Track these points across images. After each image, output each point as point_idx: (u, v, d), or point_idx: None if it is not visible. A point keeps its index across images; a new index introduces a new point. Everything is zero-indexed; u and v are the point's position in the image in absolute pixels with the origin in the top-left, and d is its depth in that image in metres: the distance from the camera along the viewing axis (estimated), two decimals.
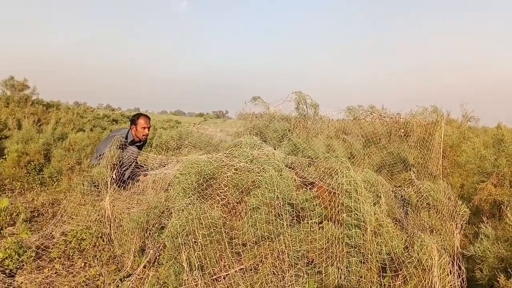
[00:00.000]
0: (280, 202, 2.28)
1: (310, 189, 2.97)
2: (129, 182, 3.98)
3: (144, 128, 4.91)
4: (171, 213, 2.60)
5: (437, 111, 4.06)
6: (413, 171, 3.47)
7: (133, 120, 5.00)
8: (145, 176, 4.25)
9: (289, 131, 4.21)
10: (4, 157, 5.79)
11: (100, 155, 5.00)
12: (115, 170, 3.42)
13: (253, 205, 2.28)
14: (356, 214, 2.18)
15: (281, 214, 2.28)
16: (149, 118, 5.10)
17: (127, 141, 4.99)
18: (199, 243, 2.15)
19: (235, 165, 2.61)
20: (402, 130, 4.23)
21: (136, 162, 4.60)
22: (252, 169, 2.55)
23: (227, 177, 2.52)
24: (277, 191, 2.29)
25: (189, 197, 2.36)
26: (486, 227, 2.49)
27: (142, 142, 5.04)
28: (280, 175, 2.51)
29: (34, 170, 5.56)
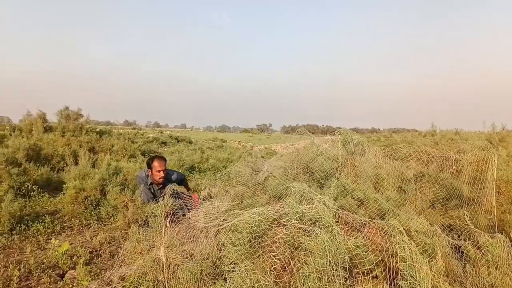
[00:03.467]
0: (332, 268, 2.29)
1: (360, 230, 2.95)
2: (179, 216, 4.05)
3: (159, 171, 4.99)
4: (225, 270, 2.67)
5: (488, 149, 3.92)
6: (466, 215, 3.35)
7: (148, 163, 5.11)
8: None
9: (336, 170, 4.18)
10: (62, 192, 6.14)
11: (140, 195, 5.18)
12: (169, 219, 3.53)
13: (306, 272, 2.29)
14: (412, 282, 2.15)
15: (334, 280, 2.28)
16: (165, 160, 5.17)
17: (147, 182, 5.11)
18: None
19: (285, 223, 2.64)
20: (454, 167, 4.11)
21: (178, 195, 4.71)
22: (302, 228, 2.57)
23: (279, 238, 2.55)
24: (328, 256, 2.30)
25: (241, 260, 2.41)
26: None
27: (161, 185, 5.14)
28: (331, 233, 2.51)
29: (91, 205, 5.84)
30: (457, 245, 2.91)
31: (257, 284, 2.17)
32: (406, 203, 4.12)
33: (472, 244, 2.78)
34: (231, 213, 3.03)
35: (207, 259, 3.19)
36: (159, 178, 5.04)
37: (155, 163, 5.04)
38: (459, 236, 3.45)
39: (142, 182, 5.15)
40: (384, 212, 3.63)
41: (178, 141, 17.91)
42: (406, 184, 4.49)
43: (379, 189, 4.27)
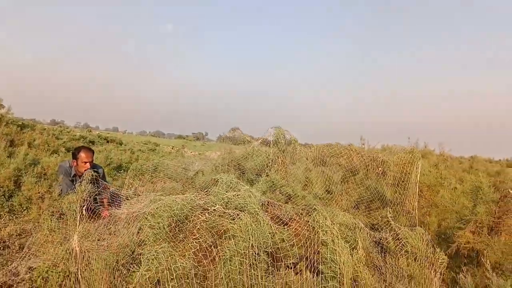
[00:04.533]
0: (255, 251, 2.20)
1: (287, 225, 2.90)
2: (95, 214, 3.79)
3: (85, 162, 4.69)
4: (142, 255, 2.50)
5: (414, 152, 4.08)
6: (389, 212, 3.44)
7: (74, 153, 4.78)
8: (107, 211, 4.02)
9: (267, 166, 4.14)
10: None
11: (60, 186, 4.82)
12: (85, 206, 3.28)
13: (226, 255, 2.19)
14: (333, 266, 2.12)
15: (256, 264, 2.20)
16: (92, 152, 4.87)
17: (71, 174, 4.78)
18: None
19: (209, 208, 2.53)
20: (380, 168, 4.23)
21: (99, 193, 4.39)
22: (227, 213, 2.47)
23: (201, 221, 2.43)
24: (251, 239, 2.21)
25: (159, 243, 2.26)
26: (465, 276, 2.47)
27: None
28: (256, 220, 2.43)
29: (3, 196, 5.33)
30: (378, 238, 2.96)
31: (174, 266, 2.03)
32: (332, 203, 4.17)
33: (392, 236, 2.84)
34: (153, 199, 2.86)
35: (124, 248, 2.99)
36: (85, 170, 4.70)
37: (82, 154, 4.70)
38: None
39: (64, 173, 4.78)
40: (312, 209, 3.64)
41: (107, 142, 17.04)
42: (333, 185, 4.57)
43: (307, 189, 4.30)
